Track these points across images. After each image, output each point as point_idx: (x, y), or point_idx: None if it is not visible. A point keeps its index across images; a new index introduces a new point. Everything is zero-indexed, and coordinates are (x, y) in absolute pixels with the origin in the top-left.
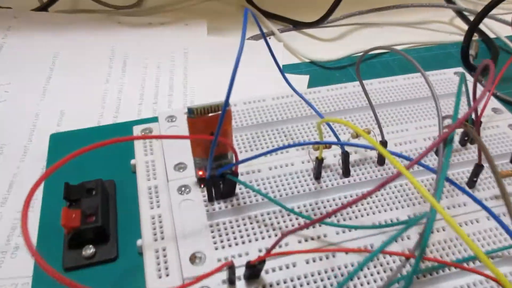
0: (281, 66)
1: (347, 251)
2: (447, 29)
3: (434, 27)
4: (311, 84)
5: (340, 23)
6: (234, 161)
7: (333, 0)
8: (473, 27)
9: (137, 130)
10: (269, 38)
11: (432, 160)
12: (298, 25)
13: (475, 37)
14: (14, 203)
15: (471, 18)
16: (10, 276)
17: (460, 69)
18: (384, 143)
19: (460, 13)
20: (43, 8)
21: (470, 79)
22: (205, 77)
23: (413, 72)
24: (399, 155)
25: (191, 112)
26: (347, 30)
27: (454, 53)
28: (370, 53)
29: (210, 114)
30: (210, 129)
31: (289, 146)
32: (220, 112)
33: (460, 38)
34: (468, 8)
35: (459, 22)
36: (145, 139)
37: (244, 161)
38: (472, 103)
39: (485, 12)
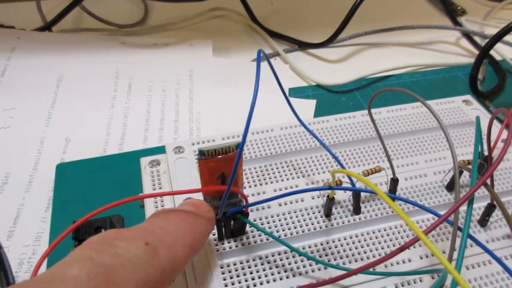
0: (288, 97)
1: None
2: (454, 50)
3: (441, 47)
4: (318, 109)
5: (346, 43)
6: (243, 200)
7: (340, 20)
8: (484, 54)
9: (144, 162)
10: (275, 59)
11: (441, 193)
12: (303, 46)
13: None
14: (21, 236)
15: (477, 39)
16: None
17: (469, 97)
18: (395, 181)
19: (467, 35)
20: (47, 27)
21: (477, 107)
22: (211, 100)
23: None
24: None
25: (202, 154)
26: (354, 50)
27: (461, 76)
28: (376, 76)
29: (220, 156)
30: (220, 170)
31: (302, 191)
32: (230, 153)
33: (467, 60)
34: (475, 30)
35: (465, 43)
36: (157, 196)
37: (255, 204)
38: (485, 142)
39: (497, 39)
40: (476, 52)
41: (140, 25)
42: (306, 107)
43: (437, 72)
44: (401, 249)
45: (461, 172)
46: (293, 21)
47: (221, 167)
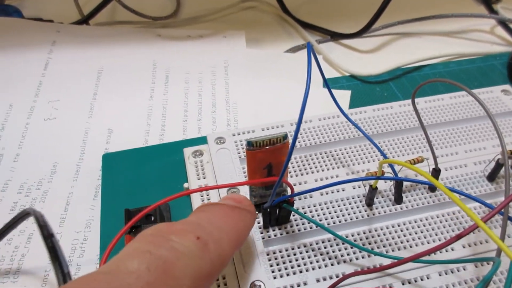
0: (330, 87)
1: None
2: (489, 39)
3: (475, 36)
4: (352, 100)
5: (379, 33)
6: (288, 189)
7: (372, 9)
8: None
9: (188, 152)
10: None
11: (482, 183)
12: (336, 36)
13: None
14: (72, 223)
15: None
16: None
17: (508, 87)
18: (437, 172)
19: (502, 22)
20: (84, 20)
21: None
22: (246, 91)
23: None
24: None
25: (250, 144)
26: (386, 40)
27: (497, 65)
28: (410, 66)
29: (268, 147)
30: (267, 160)
31: (347, 181)
32: (278, 144)
33: (503, 49)
34: (511, 18)
35: (500, 31)
36: (204, 190)
37: (300, 194)
38: None
39: None
40: None
41: (173, 17)
42: (341, 98)
43: (472, 62)
44: (459, 236)
45: (501, 165)
46: (325, 11)
47: (268, 158)
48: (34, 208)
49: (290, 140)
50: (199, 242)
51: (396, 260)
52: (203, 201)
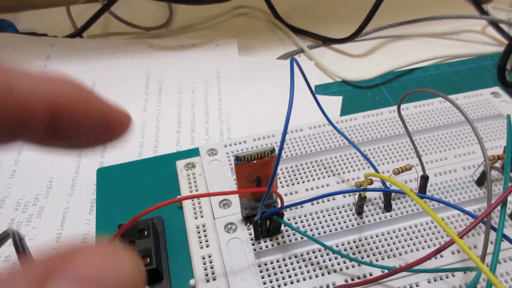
0: (316, 96)
1: None
2: (480, 39)
3: (467, 37)
4: (344, 106)
5: (371, 36)
6: (279, 201)
7: (363, 13)
8: None
9: (180, 165)
10: (299, 55)
11: (471, 188)
12: (328, 41)
13: None
14: (69, 238)
15: (504, 27)
16: None
17: (497, 89)
18: (426, 179)
19: (493, 23)
20: (78, 33)
21: (506, 99)
22: (239, 100)
23: (446, 89)
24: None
25: (238, 159)
26: (378, 44)
27: (488, 66)
28: (401, 69)
29: (255, 161)
30: (256, 174)
31: (336, 193)
32: (265, 158)
33: (494, 49)
34: (502, 18)
35: (491, 31)
36: (194, 198)
37: (290, 206)
38: None
39: None
40: (504, 40)
41: (165, 27)
42: (333, 104)
43: (463, 63)
44: (438, 251)
45: (491, 168)
46: (316, 16)
47: (257, 171)
48: (14, 229)
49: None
50: None
51: (386, 270)
52: (195, 213)
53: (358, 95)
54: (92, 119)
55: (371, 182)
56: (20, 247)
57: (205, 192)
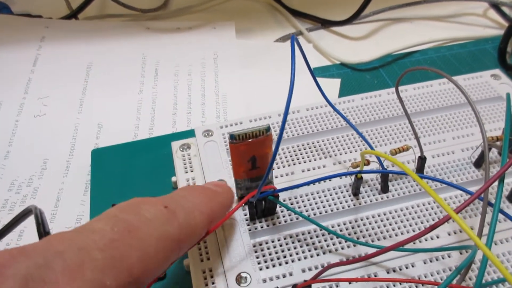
0: (316, 77)
1: (406, 281)
2: (481, 22)
3: (468, 20)
4: (342, 88)
5: (370, 19)
6: (274, 181)
7: None
8: None
9: (175, 146)
10: (298, 38)
11: (469, 170)
12: (326, 24)
13: None
14: (63, 219)
15: (506, 10)
16: None
17: (498, 71)
18: (423, 159)
19: (495, 5)
20: (73, 15)
21: (506, 81)
22: (236, 83)
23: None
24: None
25: (233, 138)
26: (377, 26)
27: (489, 49)
28: (400, 52)
29: (250, 140)
30: (251, 153)
31: (332, 176)
32: (260, 137)
33: (495, 32)
34: (504, 1)
35: (493, 14)
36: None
37: (286, 189)
38: None
39: None
40: (505, 23)
41: (162, 9)
42: (331, 86)
43: (463, 46)
44: (432, 227)
45: (490, 149)
46: None
47: (252, 150)
48: (36, 205)
49: (274, 132)
50: (167, 210)
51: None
52: (187, 180)
53: (357, 78)
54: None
55: (368, 163)
56: (40, 218)
57: (200, 173)
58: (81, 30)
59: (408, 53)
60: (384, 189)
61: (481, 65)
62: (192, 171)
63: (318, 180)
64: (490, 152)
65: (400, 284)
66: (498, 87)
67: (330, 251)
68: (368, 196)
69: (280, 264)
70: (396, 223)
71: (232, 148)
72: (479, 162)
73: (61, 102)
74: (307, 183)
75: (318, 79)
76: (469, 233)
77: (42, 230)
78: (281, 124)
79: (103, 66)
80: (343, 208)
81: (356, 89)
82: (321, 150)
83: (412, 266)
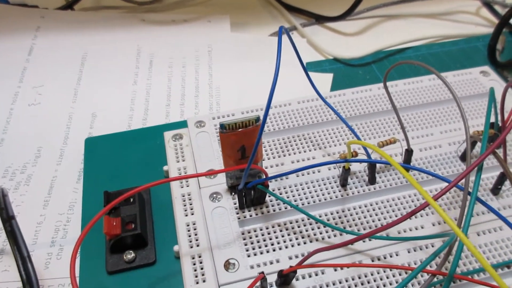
0: (307, 71)
1: (388, 267)
2: (474, 20)
3: (460, 18)
4: (334, 83)
5: (364, 15)
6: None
7: None
8: (503, 23)
9: (168, 136)
10: (292, 33)
11: (455, 163)
12: (320, 19)
13: None
14: (55, 205)
15: (498, 8)
16: (57, 277)
17: (487, 68)
18: (410, 152)
19: (487, 4)
20: (69, 6)
21: (495, 78)
22: (229, 75)
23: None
24: (425, 172)
25: (223, 127)
26: (371, 23)
27: (480, 47)
28: (392, 48)
29: (240, 130)
30: (240, 143)
31: (320, 164)
32: (250, 127)
33: (487, 30)
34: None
35: (485, 12)
36: (183, 179)
37: (275, 177)
38: (499, 111)
39: None
40: (497, 21)
41: (158, 2)
42: (323, 81)
43: (455, 44)
44: (412, 213)
45: (475, 142)
46: None
47: (241, 140)
48: None
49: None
50: None
51: (368, 240)
52: (181, 182)
53: (349, 73)
54: None
55: (356, 155)
56: (2, 203)
57: (192, 163)
58: (76, 21)
59: (401, 50)
60: (372, 180)
61: (472, 62)
62: (184, 161)
63: (307, 168)
64: (476, 146)
65: (384, 271)
66: (487, 84)
67: (317, 240)
68: (356, 188)
69: (267, 252)
70: (382, 213)
71: (222, 137)
72: (465, 156)
73: (56, 91)
74: (295, 171)
75: (311, 73)
76: (444, 216)
77: (5, 215)
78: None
79: (98, 56)
80: (331, 198)
81: (348, 84)
82: (311, 142)
83: (396, 255)
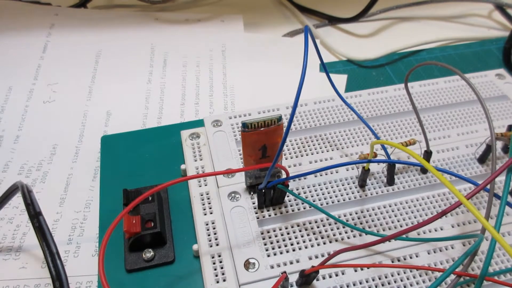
0: (327, 70)
1: (410, 268)
2: (486, 23)
3: (473, 21)
4: (348, 84)
5: (377, 17)
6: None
7: None
8: None
9: (185, 134)
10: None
11: (473, 165)
12: (333, 21)
13: None
14: (72, 203)
15: (510, 12)
16: (75, 275)
17: (502, 71)
18: (429, 154)
19: (500, 7)
20: (82, 4)
21: (511, 81)
22: (243, 75)
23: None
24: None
25: (245, 126)
26: (384, 25)
27: (494, 50)
28: (407, 50)
29: (262, 129)
30: (262, 142)
31: (341, 164)
32: (272, 126)
33: (500, 33)
34: (509, 3)
35: (497, 15)
36: (202, 177)
37: (295, 177)
38: None
39: None
40: (509, 25)
41: (171, 1)
42: (337, 82)
43: (469, 46)
44: (443, 213)
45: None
46: None
47: (263, 139)
48: (23, 182)
49: (285, 122)
50: None
51: (388, 241)
52: (199, 181)
53: (363, 74)
54: None
55: (375, 156)
56: (29, 199)
57: (209, 162)
58: (90, 19)
59: (414, 52)
60: (390, 181)
61: (485, 65)
62: (201, 160)
63: (328, 169)
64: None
65: (404, 272)
66: (503, 87)
67: (336, 240)
68: (374, 188)
69: (287, 251)
70: (401, 214)
71: (244, 137)
72: (483, 158)
73: (70, 89)
74: (317, 171)
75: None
76: (477, 215)
77: (32, 211)
78: (291, 115)
79: (112, 55)
80: (349, 199)
81: (362, 85)
82: (328, 142)
83: (416, 256)
